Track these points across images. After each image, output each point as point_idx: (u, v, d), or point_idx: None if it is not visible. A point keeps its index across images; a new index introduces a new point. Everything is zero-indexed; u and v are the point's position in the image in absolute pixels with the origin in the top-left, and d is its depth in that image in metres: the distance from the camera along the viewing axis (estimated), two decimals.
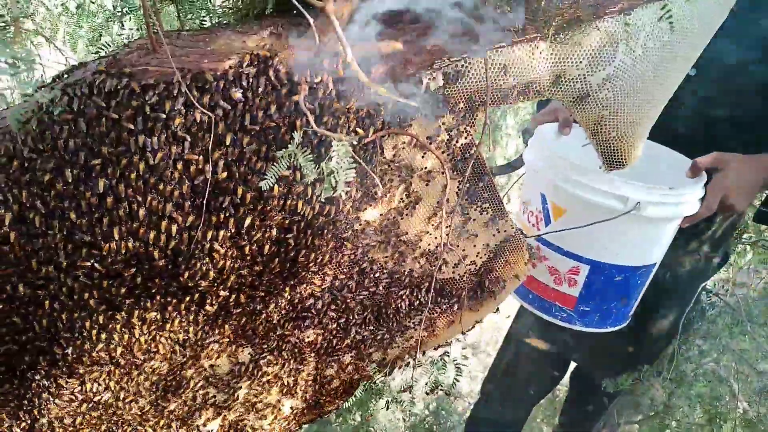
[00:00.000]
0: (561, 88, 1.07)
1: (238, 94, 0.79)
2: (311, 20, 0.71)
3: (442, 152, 1.06)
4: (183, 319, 0.97)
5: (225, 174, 0.83)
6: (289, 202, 0.89)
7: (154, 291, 0.90)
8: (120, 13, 0.82)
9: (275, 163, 0.76)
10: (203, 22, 0.85)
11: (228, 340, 1.05)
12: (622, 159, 1.20)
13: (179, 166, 0.81)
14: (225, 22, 0.84)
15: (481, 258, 1.19)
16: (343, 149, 0.71)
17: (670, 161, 1.42)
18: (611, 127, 1.13)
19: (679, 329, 1.54)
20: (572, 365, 2.10)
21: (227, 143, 0.82)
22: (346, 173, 0.71)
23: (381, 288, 1.13)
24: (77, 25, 1.10)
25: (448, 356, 1.27)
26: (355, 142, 0.70)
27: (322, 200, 0.87)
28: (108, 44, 0.84)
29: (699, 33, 1.10)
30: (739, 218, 1.62)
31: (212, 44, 0.81)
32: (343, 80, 0.81)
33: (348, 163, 0.70)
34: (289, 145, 0.74)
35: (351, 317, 1.14)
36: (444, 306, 1.22)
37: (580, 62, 1.03)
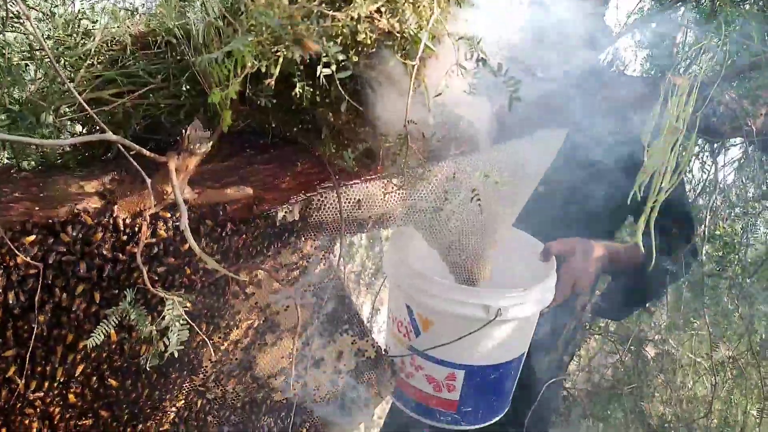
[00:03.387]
0: (413, 219, 1.14)
1: (72, 243, 0.76)
2: (148, 180, 0.71)
3: (302, 279, 1.08)
4: None
5: (54, 322, 0.78)
6: (129, 346, 0.85)
7: None
8: None
9: (106, 319, 0.73)
10: (42, 163, 0.82)
11: None
12: (472, 278, 1.29)
13: None
14: (63, 164, 0.82)
15: (343, 378, 1.20)
16: (176, 309, 0.70)
17: (522, 243, 1.53)
18: (460, 251, 1.23)
19: (525, 424, 1.62)
20: None
21: (57, 291, 0.77)
22: (179, 334, 0.70)
23: (238, 417, 1.09)
24: None
25: None
26: (188, 304, 0.70)
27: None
28: None
29: (534, 168, 1.24)
30: (582, 313, 1.78)
31: (46, 189, 0.78)
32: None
33: (181, 324, 0.70)
34: (121, 302, 0.72)
35: None
36: (307, 428, 1.20)
37: (428, 197, 1.12)
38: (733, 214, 1.94)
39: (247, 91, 0.67)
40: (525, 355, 1.46)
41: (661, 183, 0.92)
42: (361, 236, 3.62)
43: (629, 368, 2.09)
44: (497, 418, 1.49)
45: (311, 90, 0.72)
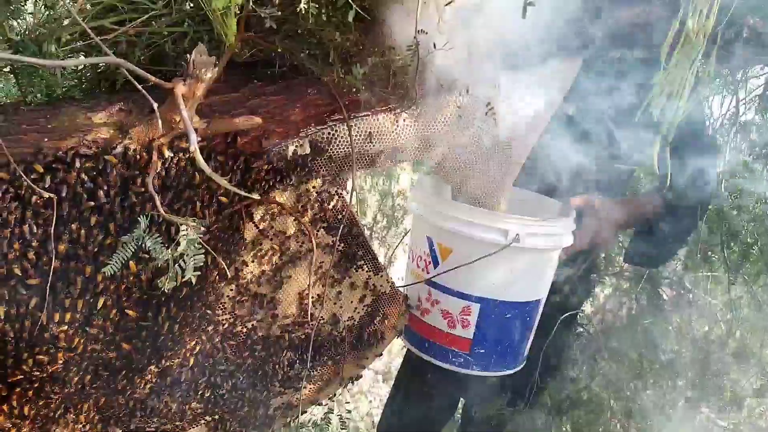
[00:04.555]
0: (425, 152, 1.13)
1: (83, 174, 0.76)
2: (155, 105, 0.70)
3: (315, 215, 1.08)
4: (32, 406, 0.90)
5: (72, 254, 0.79)
6: (146, 277, 0.86)
7: None
8: None
9: (122, 247, 0.73)
10: (48, 95, 0.81)
11: (88, 421, 0.98)
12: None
13: (16, 247, 0.76)
14: (70, 96, 0.81)
15: (358, 313, 1.21)
16: (191, 234, 0.70)
17: (540, 204, 1.52)
18: (476, 185, 1.21)
19: (539, 361, 1.64)
20: None
21: (72, 223, 0.78)
22: (194, 258, 0.70)
23: (257, 352, 1.11)
24: None
25: (332, 413, 1.27)
26: (203, 228, 0.70)
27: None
28: None
29: (546, 103, 1.21)
30: (599, 257, 1.77)
31: (54, 120, 0.77)
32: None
33: (196, 248, 0.70)
34: (136, 229, 0.72)
35: (227, 382, 1.11)
36: (325, 362, 1.22)
37: (441, 129, 1.10)
38: (753, 151, 1.89)
39: (251, 4, 0.65)
40: (541, 303, 1.46)
41: (679, 101, 0.89)
42: (373, 190, 3.60)
43: (644, 308, 2.10)
44: (510, 372, 1.49)
45: (317, 6, 0.70)
